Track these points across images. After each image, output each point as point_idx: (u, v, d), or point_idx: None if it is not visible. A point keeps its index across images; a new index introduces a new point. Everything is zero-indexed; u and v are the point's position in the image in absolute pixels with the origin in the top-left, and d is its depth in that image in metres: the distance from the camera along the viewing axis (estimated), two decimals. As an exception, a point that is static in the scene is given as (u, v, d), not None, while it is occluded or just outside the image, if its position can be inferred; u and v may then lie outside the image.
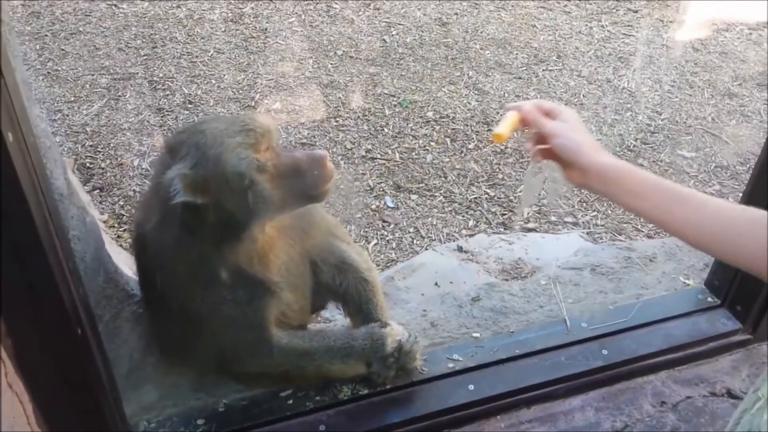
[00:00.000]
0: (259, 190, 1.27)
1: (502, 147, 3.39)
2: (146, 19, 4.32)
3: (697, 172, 3.24)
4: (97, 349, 1.21)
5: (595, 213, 3.02)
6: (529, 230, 2.96)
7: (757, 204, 1.63)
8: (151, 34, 4.17)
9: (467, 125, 3.54)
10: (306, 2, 4.62)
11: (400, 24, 4.47)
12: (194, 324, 1.42)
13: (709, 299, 1.83)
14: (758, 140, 3.27)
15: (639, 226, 2.92)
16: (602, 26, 4.50)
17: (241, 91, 3.65)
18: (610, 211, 3.02)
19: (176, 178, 1.20)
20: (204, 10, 4.44)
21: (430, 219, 2.97)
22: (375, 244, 2.84)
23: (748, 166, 3.19)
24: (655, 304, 1.83)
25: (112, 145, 3.22)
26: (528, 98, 3.75)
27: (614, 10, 4.69)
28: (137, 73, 3.77)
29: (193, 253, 1.32)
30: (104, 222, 2.74)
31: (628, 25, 4.51)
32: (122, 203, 2.89)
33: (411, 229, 2.91)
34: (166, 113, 3.46)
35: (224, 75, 3.78)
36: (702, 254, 2.05)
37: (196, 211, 1.25)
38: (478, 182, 3.17)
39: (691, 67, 4.08)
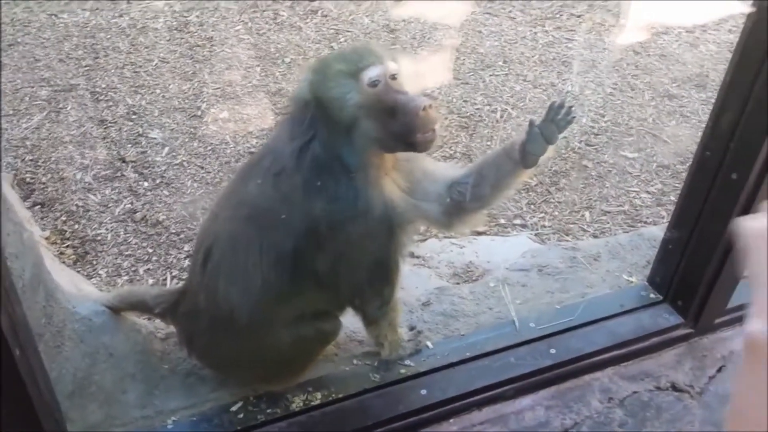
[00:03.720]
0: (356, 120, 1.33)
1: (451, 152, 3.42)
2: (88, 29, 4.22)
3: (639, 172, 3.33)
4: (38, 370, 1.18)
5: (542, 214, 3.07)
6: (479, 233, 2.99)
7: (693, 201, 1.69)
8: (93, 44, 4.07)
9: (416, 131, 3.55)
10: (252, 10, 4.58)
11: (348, 31, 4.47)
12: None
13: (652, 295, 1.88)
14: (697, 139, 3.35)
15: (585, 227, 2.98)
16: (546, 31, 4.58)
17: (186, 101, 3.60)
18: (557, 213, 3.07)
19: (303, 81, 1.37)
20: (147, 18, 4.36)
21: (381, 225, 2.97)
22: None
23: (687, 164, 3.29)
24: (600, 303, 1.87)
25: (53, 158, 3.13)
26: (475, 103, 3.80)
27: (557, 15, 4.79)
28: (79, 85, 3.67)
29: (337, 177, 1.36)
30: (46, 239, 2.66)
31: (571, 30, 4.61)
32: (64, 219, 2.81)
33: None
34: (110, 125, 3.38)
35: (169, 84, 3.72)
36: (644, 252, 2.11)
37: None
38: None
39: (631, 70, 4.19)
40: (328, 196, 1.35)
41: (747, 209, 1.58)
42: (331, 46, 4.25)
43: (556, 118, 1.42)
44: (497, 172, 1.52)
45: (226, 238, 1.47)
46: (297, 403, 1.59)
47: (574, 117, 1.44)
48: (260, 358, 1.56)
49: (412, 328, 1.79)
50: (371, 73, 1.32)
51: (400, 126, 1.31)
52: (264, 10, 4.59)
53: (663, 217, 2.98)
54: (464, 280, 2.52)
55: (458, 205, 1.52)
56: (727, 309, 1.85)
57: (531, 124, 1.43)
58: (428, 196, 1.51)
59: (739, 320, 1.91)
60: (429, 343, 1.76)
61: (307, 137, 1.34)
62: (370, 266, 1.47)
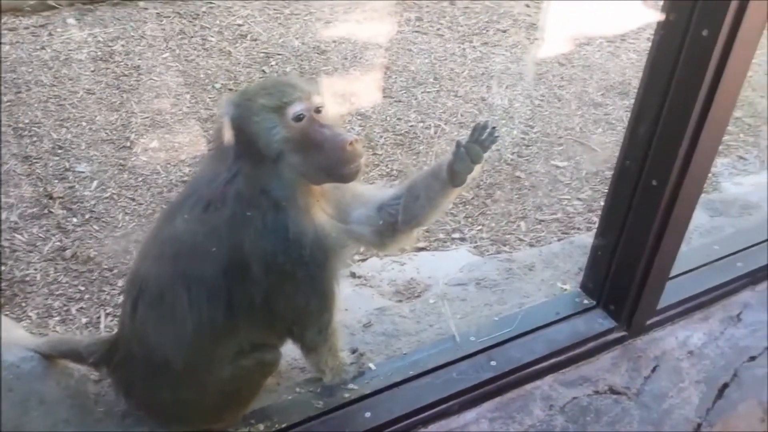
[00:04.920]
0: (281, 154, 1.33)
1: (388, 170, 3.44)
2: (8, 63, 4.09)
3: (570, 180, 3.42)
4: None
5: (480, 227, 3.12)
6: (420, 249, 3.01)
7: (617, 209, 1.75)
8: (14, 78, 3.94)
9: (352, 151, 3.57)
10: (180, 37, 4.53)
11: (278, 54, 4.46)
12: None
13: (585, 301, 1.93)
14: (622, 146, 3.50)
15: (521, 236, 3.04)
16: (474, 47, 4.68)
17: (115, 132, 3.51)
18: (494, 224, 3.13)
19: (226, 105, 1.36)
20: (71, 50, 4.26)
21: (321, 247, 2.96)
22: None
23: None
24: (536, 312, 1.91)
25: (-25, 198, 3.01)
26: (409, 120, 3.84)
27: (484, 31, 4.90)
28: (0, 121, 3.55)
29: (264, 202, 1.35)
30: (-30, 282, 2.55)
31: (498, 45, 4.73)
32: (-10, 260, 2.70)
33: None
34: (34, 160, 3.27)
35: (96, 116, 3.63)
36: (576, 259, 2.17)
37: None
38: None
39: (557, 81, 4.32)
40: (257, 229, 1.34)
41: (668, 214, 1.64)
42: (263, 70, 4.24)
43: (480, 139, 1.47)
44: (427, 191, 1.54)
45: (153, 282, 1.44)
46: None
47: (498, 137, 1.49)
48: (202, 399, 1.52)
49: (354, 351, 1.78)
50: (296, 108, 1.33)
51: (327, 160, 1.34)
52: (192, 36, 4.54)
53: (594, 223, 3.07)
54: (407, 297, 2.53)
55: (391, 226, 1.54)
56: (658, 310, 1.92)
57: (458, 145, 1.47)
58: (359, 220, 1.52)
59: (670, 320, 1.98)
60: (372, 365, 1.75)
61: (232, 172, 1.33)
62: (306, 295, 1.46)
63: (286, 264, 1.38)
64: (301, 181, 1.37)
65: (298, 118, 1.32)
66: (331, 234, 1.42)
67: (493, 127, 1.47)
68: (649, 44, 1.54)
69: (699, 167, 1.61)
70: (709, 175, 2.08)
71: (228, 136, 1.34)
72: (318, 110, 1.36)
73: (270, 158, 1.33)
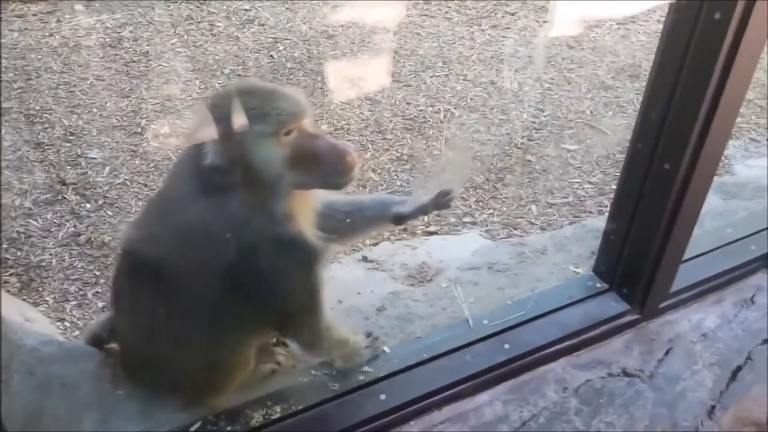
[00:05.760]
0: (274, 170, 1.29)
1: (398, 154, 3.45)
2: (17, 50, 4.10)
3: (580, 163, 3.42)
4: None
5: (491, 211, 3.12)
6: (431, 233, 3.02)
7: (629, 193, 1.75)
8: (24, 65, 3.95)
9: (362, 135, 3.57)
10: (188, 22, 4.52)
11: (286, 39, 4.46)
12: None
13: (598, 285, 1.93)
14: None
15: (532, 220, 3.05)
16: (482, 30, 4.66)
17: (125, 118, 3.53)
18: (505, 208, 3.13)
19: (210, 144, 1.25)
20: (79, 36, 4.26)
21: (332, 232, 2.97)
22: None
23: (625, 154, 3.40)
24: (549, 295, 1.92)
25: (-11, 185, 3.04)
26: (418, 105, 3.84)
27: (493, 14, 4.88)
28: (12, 108, 3.56)
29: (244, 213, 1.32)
30: (-13, 268, 2.58)
31: (507, 28, 4.70)
32: (6, 246, 2.72)
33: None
34: (47, 147, 3.29)
35: (106, 102, 3.64)
36: (589, 243, 2.17)
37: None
38: (378, 191, 3.21)
39: (567, 64, 4.30)
40: (257, 248, 1.33)
41: (681, 198, 1.64)
42: (270, 55, 4.23)
43: (440, 201, 1.63)
44: (369, 220, 1.65)
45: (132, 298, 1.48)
46: (257, 418, 1.57)
47: (453, 201, 1.68)
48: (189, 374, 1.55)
49: (368, 335, 1.80)
50: (287, 125, 1.29)
51: (325, 171, 1.33)
52: (199, 22, 4.54)
53: (605, 206, 3.07)
54: (418, 281, 2.55)
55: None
56: (671, 293, 1.92)
57: (424, 207, 1.62)
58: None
59: (684, 303, 1.98)
60: (386, 348, 1.77)
61: (224, 197, 1.30)
62: (295, 300, 1.47)
63: (277, 270, 1.38)
64: (293, 192, 1.36)
65: (289, 132, 1.30)
66: (314, 238, 1.42)
67: (452, 194, 1.64)
68: (660, 26, 1.54)
69: (712, 150, 1.60)
70: (722, 157, 2.08)
71: (213, 158, 1.26)
72: (304, 119, 1.34)
73: (267, 181, 1.30)
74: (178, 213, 1.35)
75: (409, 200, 1.65)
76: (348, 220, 1.62)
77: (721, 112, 1.51)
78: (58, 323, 2.41)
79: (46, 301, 2.50)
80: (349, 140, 3.53)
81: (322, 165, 1.33)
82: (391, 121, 3.67)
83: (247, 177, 1.28)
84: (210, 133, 1.27)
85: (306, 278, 1.44)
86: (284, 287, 1.43)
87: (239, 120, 1.26)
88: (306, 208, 1.44)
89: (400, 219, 1.64)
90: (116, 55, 4.10)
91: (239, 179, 1.28)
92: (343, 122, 3.67)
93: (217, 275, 1.34)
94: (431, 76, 4.13)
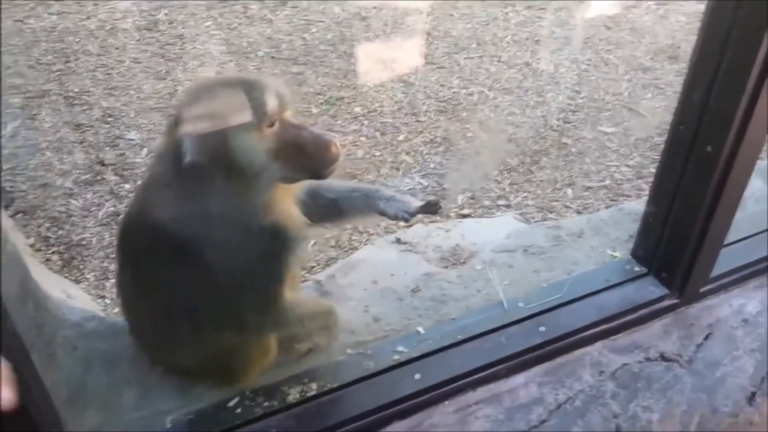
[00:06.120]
0: (258, 163, 1.27)
1: (431, 137, 3.43)
2: (56, 33, 4.17)
3: (618, 146, 3.36)
4: (33, 382, 1.18)
5: (525, 194, 3.10)
6: (464, 216, 3.01)
7: (670, 176, 1.72)
8: (63, 48, 4.02)
9: (395, 118, 3.56)
10: (222, 5, 4.54)
11: (319, 21, 4.45)
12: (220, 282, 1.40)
13: (636, 269, 1.91)
14: (672, 111, 3.42)
15: (568, 203, 3.01)
16: (517, 11, 4.60)
17: (161, 100, 3.57)
18: (539, 191, 3.10)
19: (187, 140, 1.23)
20: (116, 19, 4.31)
21: (366, 214, 2.98)
22: (313, 244, 2.84)
23: (664, 136, 3.33)
24: (586, 279, 1.90)
25: (31, 166, 3.10)
26: (452, 87, 3.81)
27: (528, -6, 4.81)
28: (51, 90, 3.63)
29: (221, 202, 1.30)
30: (31, 246, 2.65)
31: (542, 8, 4.63)
32: (48, 225, 2.79)
33: (348, 226, 2.92)
34: (86, 128, 3.35)
35: (143, 85, 3.69)
36: (627, 226, 2.14)
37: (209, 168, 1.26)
38: (411, 173, 3.21)
39: (604, 45, 4.22)
40: (238, 243, 1.33)
41: (723, 181, 1.60)
42: (303, 37, 4.24)
43: (427, 210, 1.58)
44: (358, 210, 1.63)
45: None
46: (293, 395, 1.59)
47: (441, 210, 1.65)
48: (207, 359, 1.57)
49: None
50: (269, 117, 1.26)
51: (309, 161, 1.31)
52: (233, 5, 4.56)
53: (643, 190, 3.02)
54: (452, 263, 2.54)
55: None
56: (711, 278, 1.89)
57: (408, 213, 1.57)
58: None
59: (724, 288, 1.95)
60: (420, 329, 1.77)
61: (203, 193, 1.29)
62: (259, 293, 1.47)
63: (245, 261, 1.37)
64: (275, 183, 1.35)
65: (271, 123, 1.29)
66: (291, 227, 1.41)
67: (441, 204, 1.60)
68: (699, 5, 1.50)
69: (756, 132, 1.56)
70: (766, 140, 2.03)
71: (191, 153, 1.24)
72: (286, 110, 1.33)
73: (250, 175, 1.28)
74: (158, 204, 1.35)
75: (397, 197, 1.62)
76: (330, 209, 1.61)
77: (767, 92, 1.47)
78: (99, 300, 2.47)
79: (87, 278, 2.56)
80: (382, 122, 3.53)
81: (305, 156, 1.30)
82: (424, 104, 3.65)
83: (230, 169, 1.26)
84: (192, 125, 1.24)
85: (271, 269, 1.42)
86: (249, 278, 1.41)
87: (220, 113, 1.24)
88: (288, 198, 1.44)
89: (386, 216, 1.62)
90: (152, 37, 4.14)
91: (220, 172, 1.26)
92: (376, 104, 3.66)
93: (194, 267, 1.34)
94: (465, 58, 4.09)
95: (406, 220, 1.61)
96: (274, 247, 1.39)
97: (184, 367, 1.60)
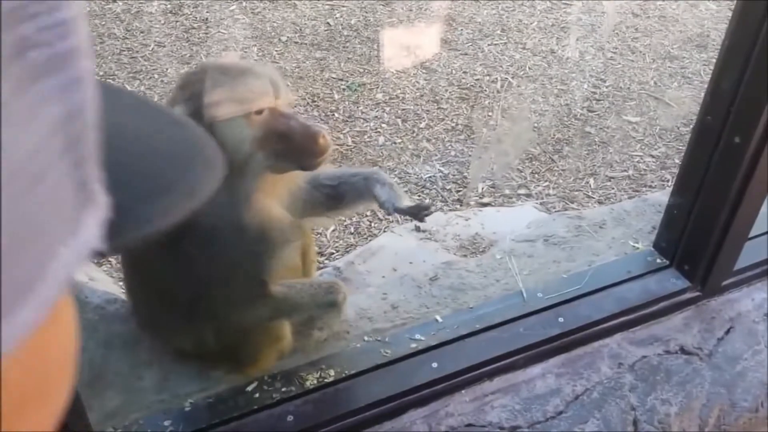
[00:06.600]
0: (244, 150, 1.27)
1: (453, 124, 3.41)
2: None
3: (642, 136, 3.32)
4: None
5: (546, 183, 3.07)
6: (484, 205, 3.00)
7: (696, 167, 1.69)
8: (89, 31, 4.05)
9: (417, 104, 3.55)
10: (246, -11, 4.55)
11: (343, 6, 4.44)
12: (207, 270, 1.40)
13: (658, 260, 1.89)
14: (699, 101, 3.35)
15: (590, 193, 2.98)
16: (543, -3, 4.54)
17: (186, 85, 3.59)
18: (561, 181, 3.07)
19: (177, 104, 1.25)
20: (141, 3, 4.34)
21: (386, 201, 2.98)
22: (333, 230, 2.84)
23: (690, 127, 3.28)
24: (606, 270, 1.88)
25: (56, 148, 3.14)
26: (475, 74, 3.78)
27: (554, -20, 4.74)
28: (77, 73, 3.67)
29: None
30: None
31: (569, -6, 4.57)
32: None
33: (368, 213, 2.92)
34: (111, 112, 3.38)
35: (167, 69, 3.71)
36: (649, 217, 2.11)
37: None
38: (432, 161, 3.19)
39: (631, 33, 4.15)
40: (219, 235, 1.33)
41: (750, 173, 1.57)
42: (327, 23, 4.23)
43: (415, 211, 1.52)
44: (354, 192, 1.59)
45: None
46: (311, 380, 1.61)
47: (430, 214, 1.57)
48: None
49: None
50: (259, 104, 1.26)
51: (297, 152, 1.30)
52: (258, -11, 4.56)
53: (667, 181, 2.98)
54: (471, 252, 2.54)
55: (313, 205, 1.55)
56: (735, 271, 1.86)
57: (398, 209, 1.52)
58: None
59: (747, 281, 1.92)
60: (438, 317, 1.77)
61: None
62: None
63: (228, 254, 1.38)
64: (263, 173, 1.34)
65: (260, 112, 1.29)
66: (273, 226, 1.40)
67: (430, 210, 1.55)
68: (732, -6, 1.46)
69: (786, 123, 1.53)
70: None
71: None
72: (277, 99, 1.32)
73: (238, 164, 1.27)
74: None
75: (394, 186, 1.57)
76: (332, 196, 1.59)
77: (799, 82, 1.44)
78: (121, 283, 2.50)
79: (109, 261, 2.59)
80: (403, 109, 3.52)
81: (293, 146, 1.29)
82: (446, 91, 3.63)
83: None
84: (181, 110, 1.24)
85: (251, 265, 1.42)
86: (229, 271, 1.42)
87: (210, 99, 1.23)
88: (277, 189, 1.43)
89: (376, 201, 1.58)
90: (177, 21, 4.16)
91: None
92: (398, 91, 3.64)
93: (176, 256, 1.34)
94: (489, 45, 4.06)
95: (389, 213, 1.59)
96: (252, 244, 1.39)
97: (189, 352, 1.63)
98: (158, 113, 0.48)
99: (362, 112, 3.48)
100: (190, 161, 0.43)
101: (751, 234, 1.79)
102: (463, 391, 1.65)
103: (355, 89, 3.65)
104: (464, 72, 3.79)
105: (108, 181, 0.31)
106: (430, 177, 3.09)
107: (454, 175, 3.11)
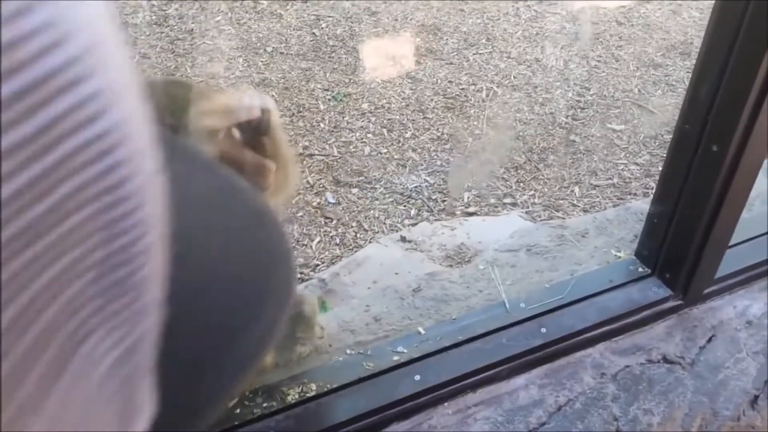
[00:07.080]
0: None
1: (438, 134, 3.42)
2: (66, 28, 4.19)
3: (627, 144, 3.33)
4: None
5: (532, 192, 3.08)
6: (470, 214, 3.00)
7: (675, 175, 1.70)
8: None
9: (403, 114, 3.55)
10: (232, 0, 4.55)
11: (329, 16, 4.44)
12: None
13: (640, 269, 1.89)
14: (682, 108, 3.39)
15: (575, 202, 2.99)
16: (528, 6, 4.56)
17: (170, 97, 3.58)
18: (546, 189, 3.08)
19: None
20: (126, 14, 4.33)
21: (372, 211, 2.98)
22: (318, 242, 2.84)
23: (674, 134, 3.31)
24: (589, 279, 1.88)
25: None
26: (460, 83, 3.79)
27: (539, -11, 4.76)
28: (61, 86, 3.65)
29: None
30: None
31: (553, 3, 4.59)
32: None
33: (354, 224, 2.92)
34: (95, 125, 3.37)
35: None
36: (631, 226, 2.12)
37: None
38: (418, 171, 3.20)
39: (615, 41, 4.18)
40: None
41: (729, 181, 1.58)
42: (313, 33, 4.23)
43: None
44: None
45: None
46: (292, 395, 1.59)
47: None
48: None
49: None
50: (214, 125, 1.24)
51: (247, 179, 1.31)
52: (243, 0, 4.56)
53: (652, 188, 3.00)
54: (456, 262, 2.54)
55: None
56: (715, 279, 1.86)
57: None
58: None
59: (729, 289, 1.93)
60: (421, 329, 1.77)
61: None
62: None
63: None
64: None
65: (213, 134, 1.27)
66: None
67: None
68: (713, 1, 1.47)
69: (763, 132, 1.53)
70: (775, 139, 2.00)
71: None
72: (233, 122, 1.30)
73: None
74: None
75: None
76: None
77: (774, 91, 1.45)
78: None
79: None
80: (389, 119, 3.52)
81: (243, 172, 1.29)
82: (432, 100, 3.64)
83: None
84: None
85: None
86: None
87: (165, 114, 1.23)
88: None
89: None
90: (162, 32, 4.15)
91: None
92: (384, 101, 3.65)
93: None
94: (474, 54, 4.07)
95: None
96: None
97: None
98: (237, 198, 0.44)
99: (348, 123, 3.49)
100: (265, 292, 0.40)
101: (732, 242, 1.80)
102: (446, 404, 1.64)
103: (341, 99, 3.65)
104: (449, 81, 3.80)
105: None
106: (416, 187, 3.09)
107: (439, 185, 3.12)
